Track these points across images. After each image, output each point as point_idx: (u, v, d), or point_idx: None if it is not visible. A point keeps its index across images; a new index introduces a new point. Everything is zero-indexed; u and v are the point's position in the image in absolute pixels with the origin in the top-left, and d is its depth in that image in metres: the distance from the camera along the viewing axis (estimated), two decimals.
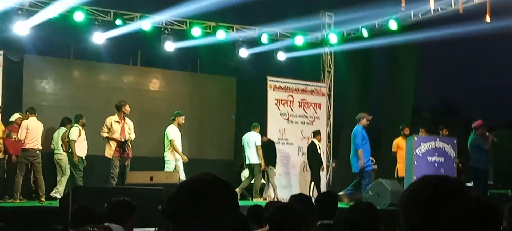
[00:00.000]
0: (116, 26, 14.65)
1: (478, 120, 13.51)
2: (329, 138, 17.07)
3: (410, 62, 16.84)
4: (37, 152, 12.36)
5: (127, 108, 12.65)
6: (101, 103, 14.98)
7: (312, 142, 15.17)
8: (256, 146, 14.17)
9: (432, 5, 14.12)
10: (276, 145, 15.06)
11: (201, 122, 17.11)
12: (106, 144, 12.59)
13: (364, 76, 17.65)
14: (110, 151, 12.47)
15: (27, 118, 12.50)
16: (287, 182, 15.22)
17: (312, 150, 15.08)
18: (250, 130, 14.33)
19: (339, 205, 6.00)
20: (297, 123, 16.10)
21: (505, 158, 13.99)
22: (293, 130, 16.03)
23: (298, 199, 5.69)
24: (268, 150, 14.67)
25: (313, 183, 15.08)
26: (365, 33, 16.08)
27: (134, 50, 17.01)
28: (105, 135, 12.52)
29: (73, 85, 15.99)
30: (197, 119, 17.07)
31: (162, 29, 15.32)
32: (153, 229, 8.02)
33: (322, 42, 17.16)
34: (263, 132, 15.12)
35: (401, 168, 14.12)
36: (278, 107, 15.95)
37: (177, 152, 13.04)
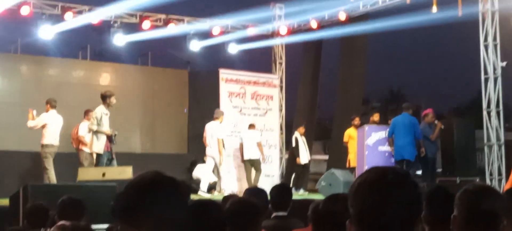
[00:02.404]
0: (64, 20, 14.40)
1: (428, 108, 13.73)
2: (281, 129, 17.17)
3: (359, 53, 17.02)
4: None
5: (113, 99, 12.04)
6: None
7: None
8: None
9: None
10: (229, 138, 15.04)
11: (153, 115, 16.98)
12: (92, 137, 11.91)
13: (315, 67, 17.77)
14: (99, 145, 11.80)
15: (47, 111, 12.22)
16: (241, 174, 15.22)
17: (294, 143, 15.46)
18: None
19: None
20: (249, 115, 16.12)
21: (453, 146, 14.27)
22: (246, 122, 16.05)
23: (253, 192, 5.73)
24: None
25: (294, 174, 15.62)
26: (315, 25, 16.22)
27: (84, 44, 16.76)
28: (95, 127, 11.77)
29: (21, 81, 15.65)
30: (149, 113, 16.94)
31: (112, 23, 15.14)
32: (106, 225, 7.93)
33: (273, 34, 17.22)
34: None
35: (352, 158, 14.23)
36: (230, 100, 15.94)
37: (220, 151, 13.67)
